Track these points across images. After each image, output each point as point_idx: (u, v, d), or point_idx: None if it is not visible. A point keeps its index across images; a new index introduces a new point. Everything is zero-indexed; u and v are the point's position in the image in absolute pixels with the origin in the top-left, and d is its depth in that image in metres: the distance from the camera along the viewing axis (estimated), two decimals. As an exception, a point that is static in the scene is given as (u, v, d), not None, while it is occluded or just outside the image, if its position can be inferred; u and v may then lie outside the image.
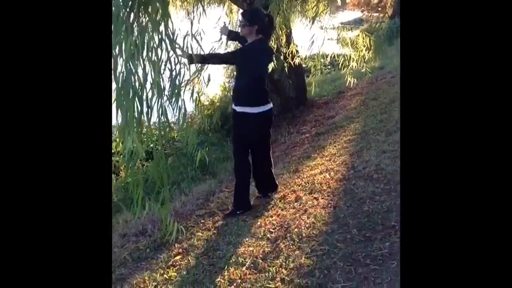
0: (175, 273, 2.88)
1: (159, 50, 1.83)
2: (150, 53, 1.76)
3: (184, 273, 2.86)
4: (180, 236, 3.27)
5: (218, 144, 6.88)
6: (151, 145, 6.40)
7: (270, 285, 2.48)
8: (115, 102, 1.54)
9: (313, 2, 6.83)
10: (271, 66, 4.13)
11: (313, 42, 5.50)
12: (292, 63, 6.41)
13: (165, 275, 2.88)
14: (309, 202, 3.54)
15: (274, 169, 4.84)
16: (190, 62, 2.88)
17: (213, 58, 3.62)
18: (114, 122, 1.64)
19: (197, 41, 2.77)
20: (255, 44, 3.54)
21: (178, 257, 3.09)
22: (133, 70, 1.55)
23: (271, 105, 3.64)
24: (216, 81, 8.65)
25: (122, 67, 1.52)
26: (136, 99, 1.60)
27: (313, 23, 6.24)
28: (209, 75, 4.34)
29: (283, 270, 2.60)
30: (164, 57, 1.86)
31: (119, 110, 1.61)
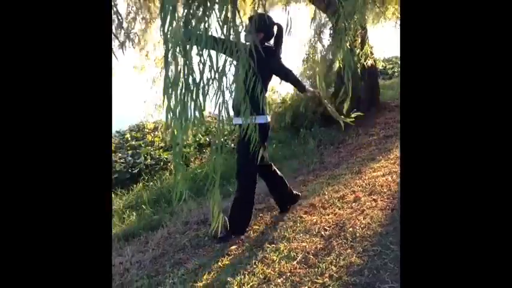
0: (229, 262, 2.98)
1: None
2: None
3: (238, 262, 2.95)
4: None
5: (285, 142, 6.93)
6: (222, 139, 6.56)
7: (318, 281, 2.51)
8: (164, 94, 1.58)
9: (393, 5, 6.72)
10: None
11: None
12: (365, 64, 6.35)
13: (219, 263, 2.99)
14: (367, 203, 3.53)
15: (338, 169, 4.86)
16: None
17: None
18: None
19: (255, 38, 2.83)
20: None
21: (233, 247, 3.19)
22: (188, 62, 1.61)
23: (260, 119, 3.09)
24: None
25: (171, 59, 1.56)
26: (187, 92, 1.66)
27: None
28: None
29: (333, 267, 2.63)
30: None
31: (168, 102, 1.65)
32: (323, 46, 8.59)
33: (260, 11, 3.11)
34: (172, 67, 1.53)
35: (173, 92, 1.56)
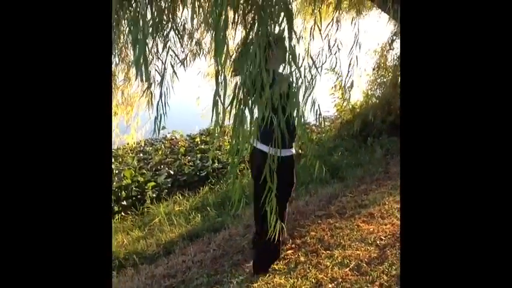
0: (284, 266, 3.07)
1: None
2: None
3: (292, 266, 3.04)
4: (286, 235, 3.44)
5: (352, 150, 6.92)
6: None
7: (368, 288, 2.56)
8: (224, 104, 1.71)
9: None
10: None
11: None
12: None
13: (275, 266, 3.09)
14: (427, 215, 3.50)
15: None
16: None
17: None
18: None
19: (330, 48, 2.91)
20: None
21: (290, 251, 3.28)
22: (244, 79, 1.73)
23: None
24: (360, 88, 8.64)
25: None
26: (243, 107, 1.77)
27: None
28: (352, 81, 4.44)
29: (384, 276, 2.66)
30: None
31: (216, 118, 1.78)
32: (395, 55, 8.53)
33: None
34: (221, 86, 1.65)
35: (223, 108, 1.68)
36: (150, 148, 8.89)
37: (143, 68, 1.61)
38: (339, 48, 3.09)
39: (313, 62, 1.97)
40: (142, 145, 8.91)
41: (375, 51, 8.76)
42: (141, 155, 8.35)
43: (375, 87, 8.88)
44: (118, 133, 5.90)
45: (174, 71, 2.09)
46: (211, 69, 6.72)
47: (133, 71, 5.24)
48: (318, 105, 2.45)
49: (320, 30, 3.05)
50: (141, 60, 1.61)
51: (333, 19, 3.24)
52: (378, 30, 8.55)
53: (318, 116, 2.44)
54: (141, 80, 1.49)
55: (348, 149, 7.05)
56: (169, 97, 2.04)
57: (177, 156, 7.92)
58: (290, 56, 1.78)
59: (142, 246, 4.30)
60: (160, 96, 2.01)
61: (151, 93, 2.79)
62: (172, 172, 6.96)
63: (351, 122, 8.18)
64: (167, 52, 2.04)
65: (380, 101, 8.38)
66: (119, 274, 3.79)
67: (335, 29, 3.90)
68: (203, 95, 6.91)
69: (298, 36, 2.20)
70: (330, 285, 2.68)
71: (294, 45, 1.81)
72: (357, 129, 7.83)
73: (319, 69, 2.49)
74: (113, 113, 4.75)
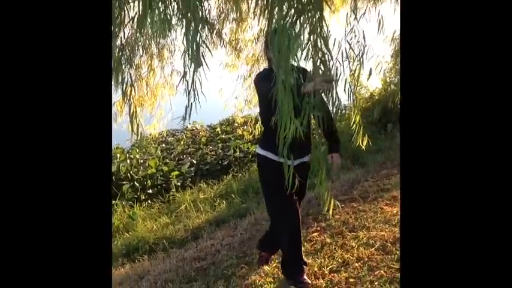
0: (311, 247, 3.18)
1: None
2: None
3: (319, 247, 3.15)
4: (334, 210, 3.53)
5: (372, 136, 6.96)
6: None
7: (394, 266, 2.65)
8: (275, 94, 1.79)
9: None
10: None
11: None
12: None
13: (302, 247, 3.19)
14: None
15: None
16: None
17: None
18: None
19: (349, 45, 2.99)
20: (264, 72, 2.77)
21: (315, 234, 3.38)
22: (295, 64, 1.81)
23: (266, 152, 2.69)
24: (379, 76, 8.66)
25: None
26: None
27: None
28: (370, 69, 4.51)
29: (409, 254, 2.75)
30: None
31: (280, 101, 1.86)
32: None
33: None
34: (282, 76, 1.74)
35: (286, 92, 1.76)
36: (172, 138, 9.08)
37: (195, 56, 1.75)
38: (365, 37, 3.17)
39: (350, 47, 2.04)
40: (164, 135, 9.09)
41: (392, 39, 8.76)
42: (164, 145, 8.53)
43: (394, 74, 8.88)
44: (142, 123, 6.04)
45: (204, 60, 2.18)
46: (230, 59, 6.84)
47: (155, 62, 5.37)
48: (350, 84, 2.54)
49: (356, 16, 3.15)
50: (194, 48, 1.74)
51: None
52: (395, 17, 8.53)
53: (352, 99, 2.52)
54: (196, 66, 1.59)
55: (367, 136, 7.08)
56: (201, 86, 2.13)
57: (199, 146, 8.08)
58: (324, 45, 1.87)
59: (171, 231, 4.45)
60: (193, 84, 2.10)
61: (187, 81, 2.88)
62: (195, 161, 7.12)
63: (370, 110, 8.22)
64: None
65: (398, 88, 8.38)
66: (150, 258, 3.95)
67: (354, 16, 3.95)
68: (225, 86, 7.03)
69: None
70: (356, 264, 2.78)
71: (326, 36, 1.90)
72: (377, 116, 7.88)
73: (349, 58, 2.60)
74: (139, 104, 4.89)
